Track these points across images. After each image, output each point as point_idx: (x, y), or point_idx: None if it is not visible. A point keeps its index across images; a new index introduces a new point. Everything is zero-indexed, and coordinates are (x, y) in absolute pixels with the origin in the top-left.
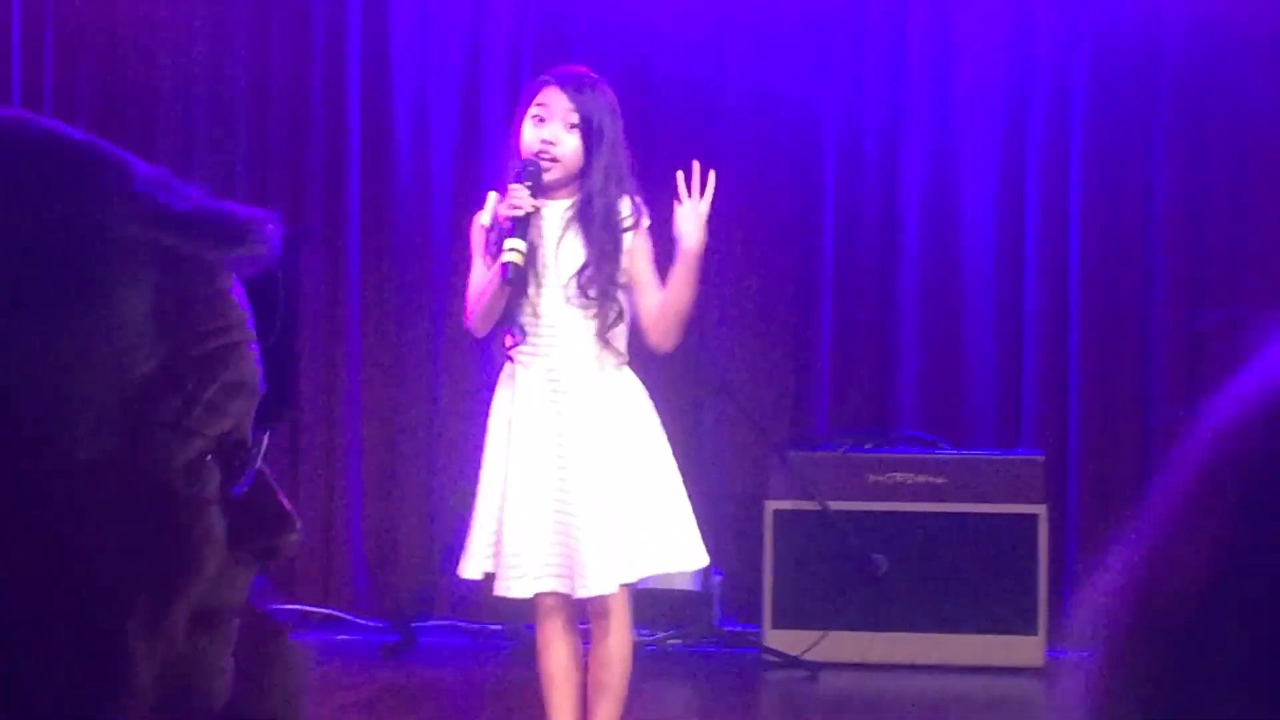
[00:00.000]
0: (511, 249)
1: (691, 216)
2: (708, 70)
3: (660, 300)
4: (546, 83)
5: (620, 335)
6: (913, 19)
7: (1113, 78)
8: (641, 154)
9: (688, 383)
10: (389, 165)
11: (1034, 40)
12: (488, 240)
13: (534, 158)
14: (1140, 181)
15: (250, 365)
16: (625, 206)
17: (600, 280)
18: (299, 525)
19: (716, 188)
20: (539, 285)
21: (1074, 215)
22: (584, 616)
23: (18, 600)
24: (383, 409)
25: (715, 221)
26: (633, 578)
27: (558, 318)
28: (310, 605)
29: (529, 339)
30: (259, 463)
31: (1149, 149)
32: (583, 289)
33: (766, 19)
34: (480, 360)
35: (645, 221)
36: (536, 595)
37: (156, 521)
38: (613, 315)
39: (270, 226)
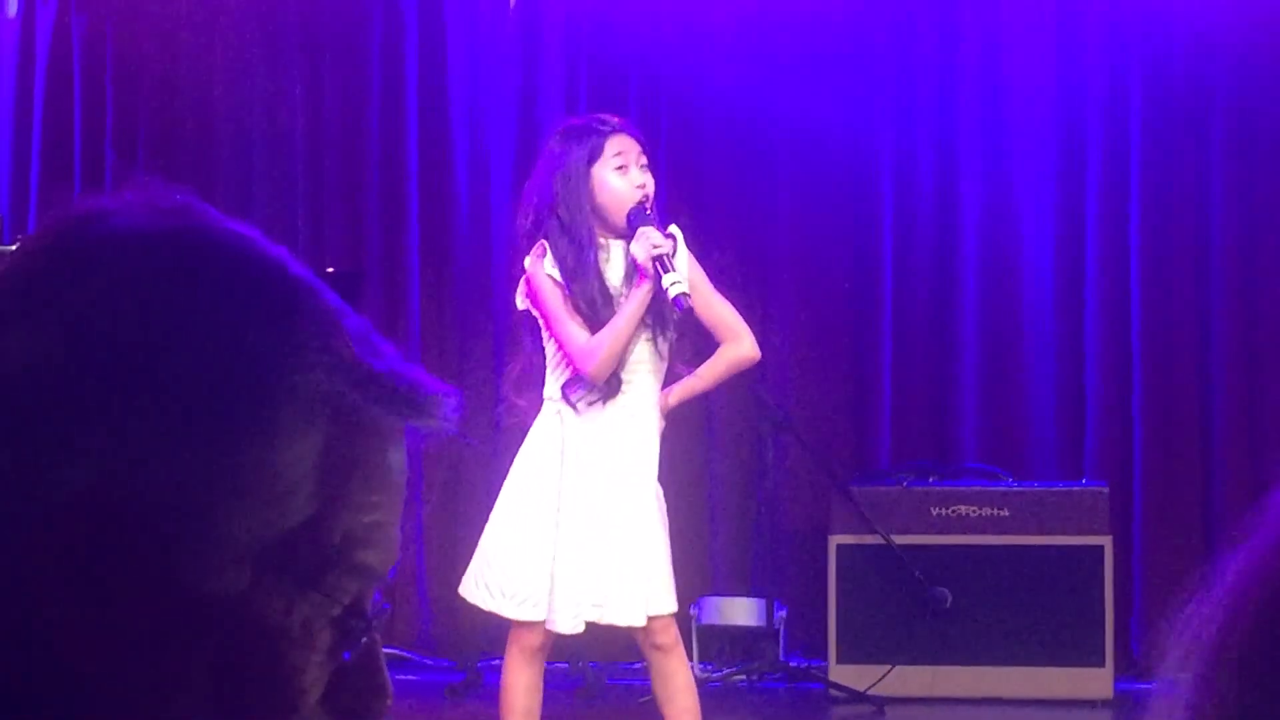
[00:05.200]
0: (676, 282)
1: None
2: (760, 99)
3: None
4: (615, 129)
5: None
6: (964, 45)
7: (1166, 108)
8: (694, 185)
9: (750, 418)
10: (448, 207)
11: (1086, 71)
12: (572, 295)
13: (640, 204)
14: (1198, 213)
15: (390, 551)
16: (675, 230)
17: (665, 312)
18: (391, 696)
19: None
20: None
21: (1134, 246)
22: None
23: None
24: (444, 451)
25: (773, 255)
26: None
27: (637, 360)
28: None
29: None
30: (373, 633)
31: (1205, 181)
32: (657, 331)
33: (816, 53)
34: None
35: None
36: (532, 630)
37: (262, 667)
38: (669, 343)
39: (453, 403)
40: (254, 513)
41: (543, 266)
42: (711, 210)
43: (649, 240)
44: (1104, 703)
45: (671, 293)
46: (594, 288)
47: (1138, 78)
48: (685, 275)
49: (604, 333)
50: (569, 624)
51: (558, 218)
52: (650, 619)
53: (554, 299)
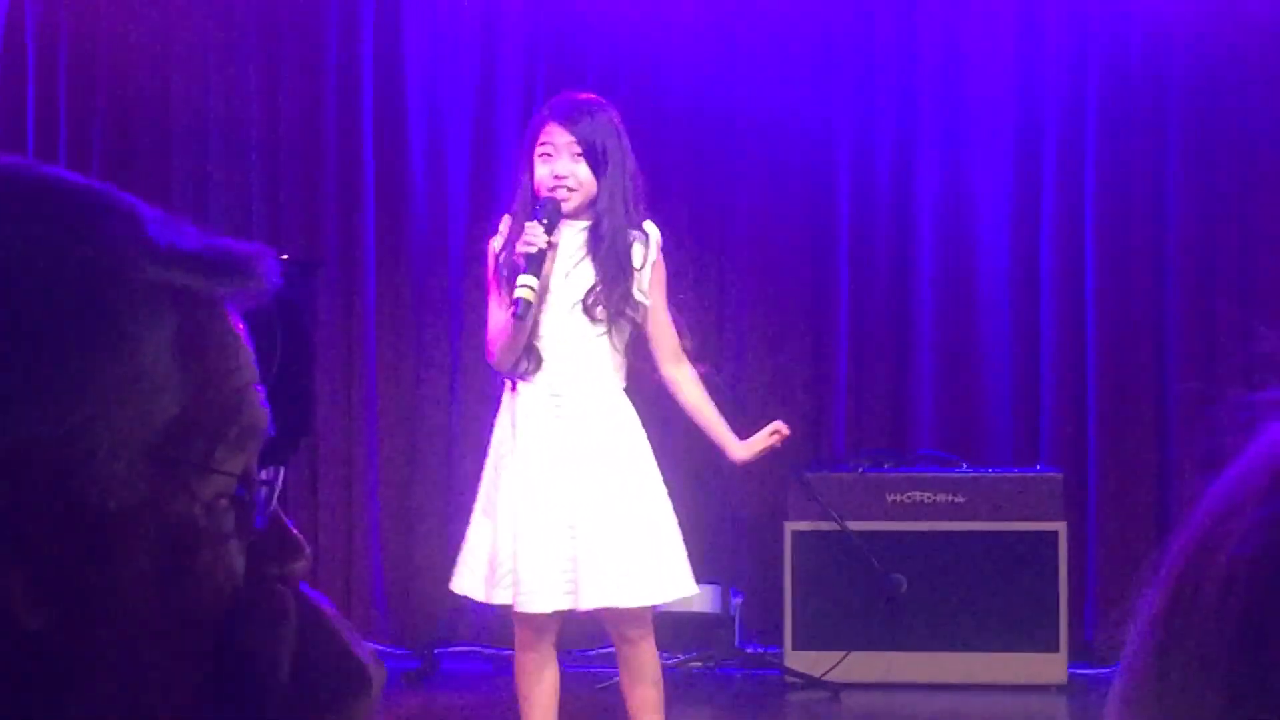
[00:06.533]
0: (524, 285)
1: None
2: (719, 90)
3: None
4: (546, 118)
5: (623, 359)
6: (922, 37)
7: (1123, 96)
8: (653, 175)
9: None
10: (404, 198)
11: (1044, 60)
12: (498, 270)
13: (550, 194)
14: (1153, 203)
15: (260, 407)
16: (650, 229)
17: (607, 303)
18: (308, 551)
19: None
20: (550, 306)
21: (1089, 234)
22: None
23: (52, 650)
24: (401, 436)
25: (732, 243)
26: (653, 599)
27: (567, 339)
28: None
29: (542, 361)
30: (275, 498)
31: (1161, 169)
32: (589, 311)
33: (777, 39)
34: (496, 389)
35: (655, 245)
36: (531, 617)
37: (182, 561)
38: (620, 338)
39: (267, 260)
40: (133, 416)
41: (492, 242)
42: (671, 199)
43: (526, 235)
44: (1058, 688)
45: (515, 293)
46: (509, 266)
47: (1095, 70)
48: (567, 284)
49: (495, 325)
50: (538, 603)
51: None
52: (624, 609)
53: (490, 274)
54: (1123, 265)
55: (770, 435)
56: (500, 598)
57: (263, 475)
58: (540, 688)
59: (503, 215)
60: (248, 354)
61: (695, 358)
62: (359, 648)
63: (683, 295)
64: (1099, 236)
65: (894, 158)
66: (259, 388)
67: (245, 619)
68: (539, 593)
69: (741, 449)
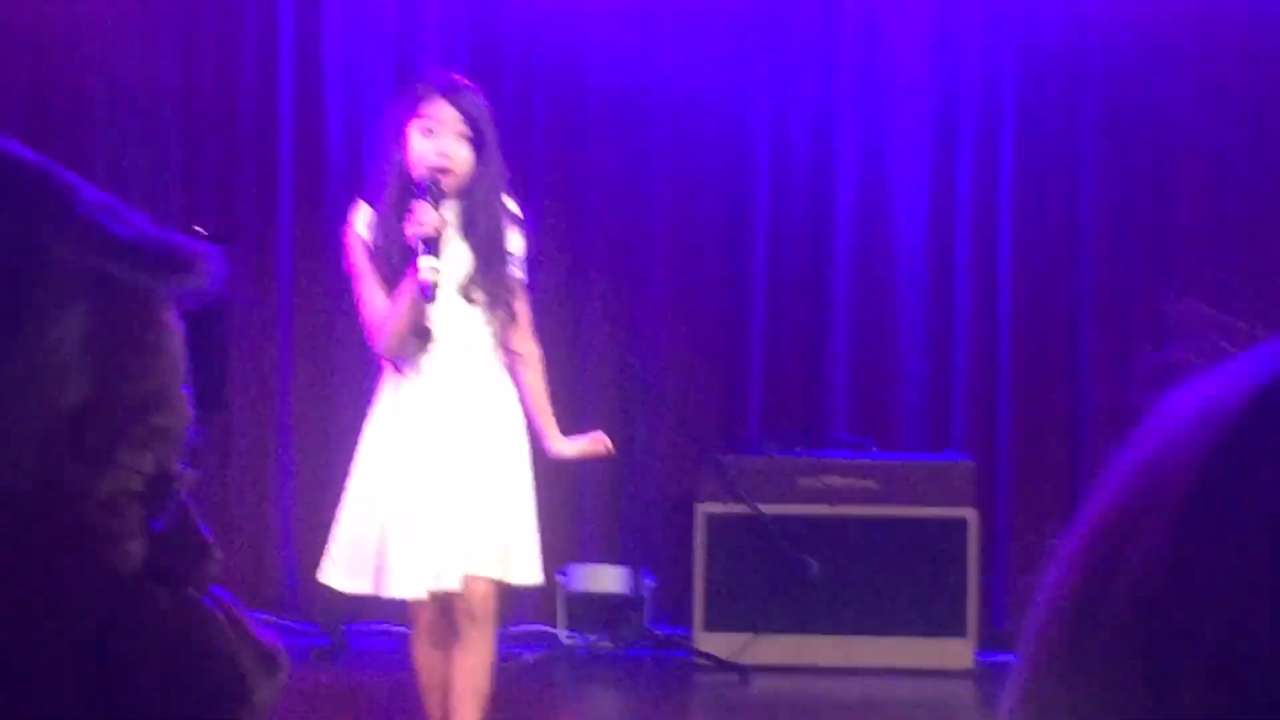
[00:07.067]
0: (430, 267)
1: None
2: (636, 74)
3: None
4: (429, 92)
5: (504, 338)
6: (842, 17)
7: (1040, 83)
8: (570, 159)
9: (619, 386)
10: (320, 170)
11: (961, 44)
12: (375, 255)
13: (432, 174)
14: (1069, 187)
15: (181, 412)
16: (513, 207)
17: (486, 285)
18: (218, 554)
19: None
20: None
21: (1004, 221)
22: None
23: None
24: (314, 411)
25: (646, 224)
26: (511, 577)
27: (449, 324)
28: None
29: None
30: (182, 496)
31: (1076, 154)
32: (464, 293)
33: (694, 22)
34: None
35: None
36: (418, 599)
37: (73, 553)
38: (501, 319)
39: (214, 260)
40: (31, 399)
41: (354, 225)
42: (587, 180)
43: (420, 217)
44: (965, 673)
45: (421, 275)
46: (393, 248)
47: (1012, 53)
48: (462, 262)
49: (382, 312)
50: (408, 588)
51: (385, 173)
52: (473, 582)
53: (356, 257)
54: (1037, 252)
55: (594, 443)
56: (356, 586)
57: (174, 472)
58: (435, 671)
59: (357, 200)
60: (178, 355)
61: (542, 340)
62: (249, 656)
63: (593, 275)
64: (1014, 223)
65: (811, 141)
66: (186, 389)
67: (116, 619)
68: (409, 577)
69: (562, 444)
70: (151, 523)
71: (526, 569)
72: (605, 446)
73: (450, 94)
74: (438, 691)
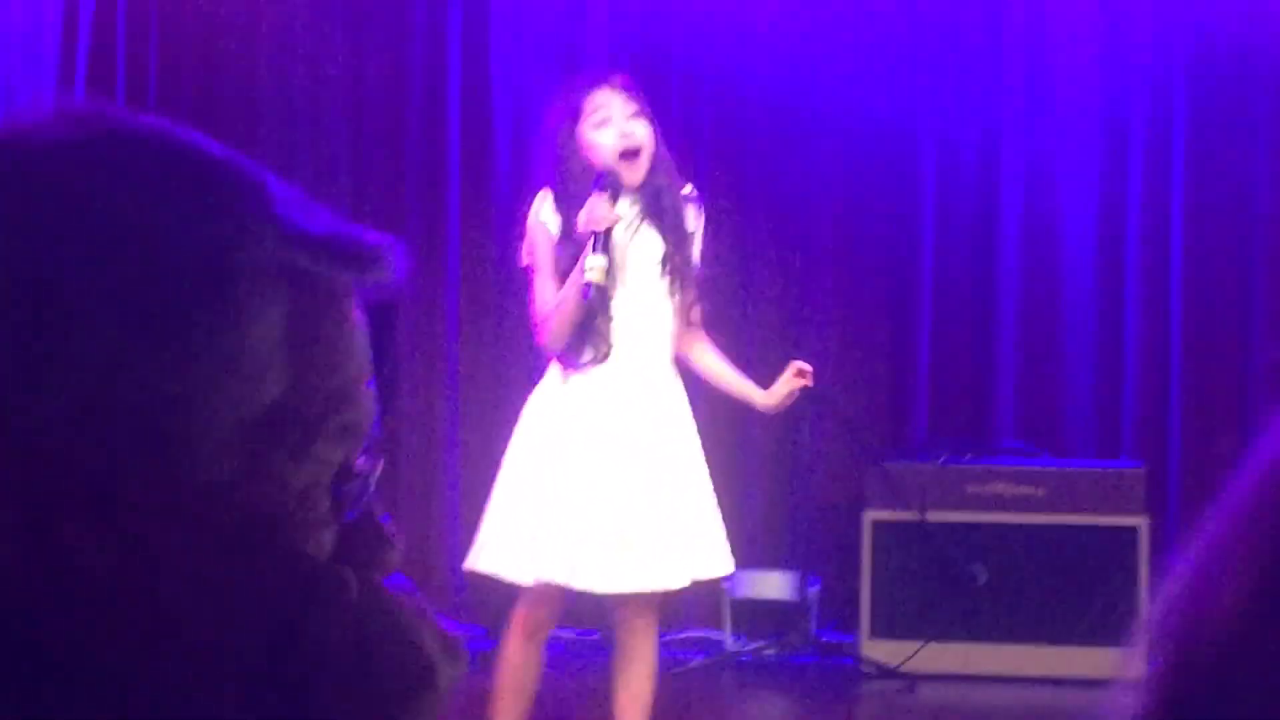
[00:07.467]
0: (593, 267)
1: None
2: (802, 87)
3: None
4: (594, 85)
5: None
6: (1007, 31)
7: (1211, 89)
8: (737, 165)
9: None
10: (486, 182)
11: (1131, 51)
12: (558, 249)
13: (619, 163)
14: (1242, 192)
15: (367, 405)
16: (692, 193)
17: (675, 270)
18: (399, 545)
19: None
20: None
21: (1176, 226)
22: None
23: (120, 605)
24: (483, 422)
25: (815, 233)
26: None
27: (637, 313)
28: None
29: (611, 346)
30: (370, 490)
31: (1251, 161)
32: (661, 280)
33: (861, 40)
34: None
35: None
36: (537, 592)
37: (271, 541)
38: (691, 305)
39: (396, 252)
40: (232, 395)
41: (538, 214)
42: (753, 186)
43: (590, 211)
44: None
45: (585, 276)
46: (567, 251)
47: (1182, 58)
48: (627, 261)
49: (550, 305)
50: (549, 571)
51: (560, 178)
52: (635, 594)
53: (540, 250)
54: (1209, 257)
55: (794, 376)
56: (540, 574)
57: (359, 465)
58: (530, 675)
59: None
60: (365, 349)
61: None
62: (434, 641)
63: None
64: (1186, 228)
65: (979, 147)
66: (370, 384)
67: (307, 606)
68: (590, 571)
69: (766, 396)
70: (346, 516)
71: (720, 562)
72: (800, 370)
73: (608, 81)
74: (523, 696)
